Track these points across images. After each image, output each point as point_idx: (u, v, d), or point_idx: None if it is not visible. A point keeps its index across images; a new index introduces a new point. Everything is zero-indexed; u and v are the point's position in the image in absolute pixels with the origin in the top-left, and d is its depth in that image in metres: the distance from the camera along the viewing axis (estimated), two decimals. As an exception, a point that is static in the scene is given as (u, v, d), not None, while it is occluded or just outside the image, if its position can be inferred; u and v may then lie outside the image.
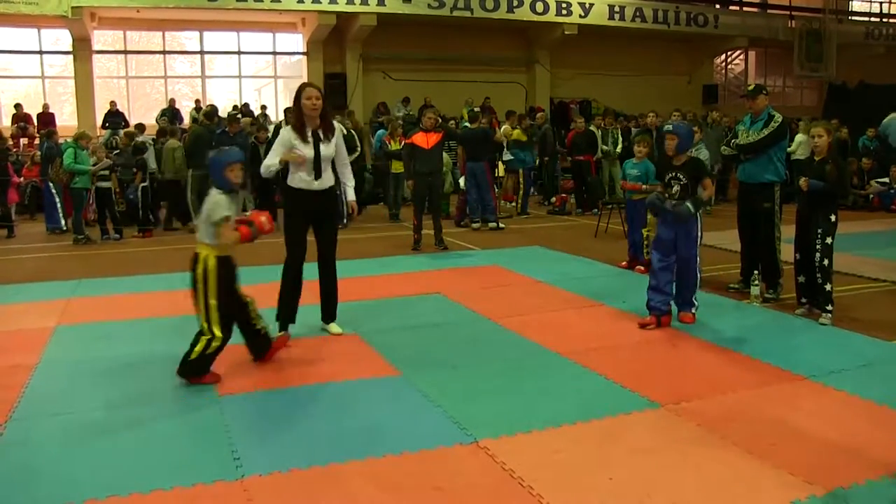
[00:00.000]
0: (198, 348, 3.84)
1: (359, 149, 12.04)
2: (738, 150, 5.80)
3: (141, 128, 11.98)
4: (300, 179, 4.59)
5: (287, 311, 4.72)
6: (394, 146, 11.01)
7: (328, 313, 4.93)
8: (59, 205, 10.27)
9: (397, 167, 10.87)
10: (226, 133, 10.07)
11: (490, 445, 3.11)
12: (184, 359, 3.88)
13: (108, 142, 12.87)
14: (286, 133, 4.61)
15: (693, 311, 5.03)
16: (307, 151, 4.53)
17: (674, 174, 4.95)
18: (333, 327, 4.90)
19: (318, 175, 4.59)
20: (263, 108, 15.80)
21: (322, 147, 4.57)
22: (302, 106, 4.52)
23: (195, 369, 3.89)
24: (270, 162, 4.54)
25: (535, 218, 11.28)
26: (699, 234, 4.98)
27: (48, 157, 10.27)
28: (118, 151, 10.59)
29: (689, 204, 4.82)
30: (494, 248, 8.33)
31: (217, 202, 3.86)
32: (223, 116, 12.14)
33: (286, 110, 11.53)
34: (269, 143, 10.06)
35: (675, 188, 4.92)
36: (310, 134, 4.56)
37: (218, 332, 3.86)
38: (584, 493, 2.73)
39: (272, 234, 4.10)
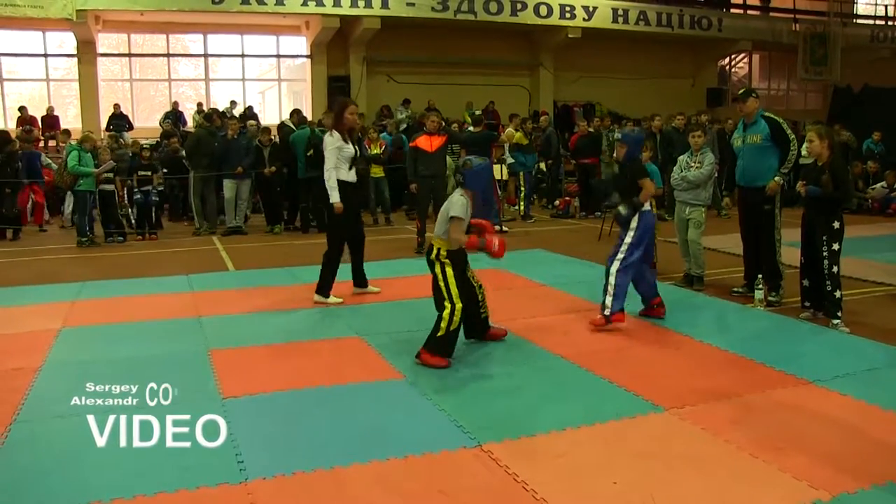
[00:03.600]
0: (443, 323, 4.19)
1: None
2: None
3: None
4: (346, 174, 5.75)
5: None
6: (373, 150, 10.94)
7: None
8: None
9: (376, 171, 10.88)
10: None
11: (494, 449, 3.10)
12: (430, 335, 4.22)
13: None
14: (336, 140, 5.68)
15: (602, 314, 4.93)
16: (351, 150, 5.76)
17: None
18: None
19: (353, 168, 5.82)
20: (233, 103, 15.43)
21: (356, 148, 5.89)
22: (345, 119, 5.75)
23: (439, 346, 4.20)
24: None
25: (539, 221, 11.27)
26: (625, 243, 5.01)
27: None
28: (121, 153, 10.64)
29: (619, 207, 5.07)
30: (498, 251, 8.30)
31: (454, 202, 4.31)
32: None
33: (292, 112, 11.93)
34: (275, 146, 10.11)
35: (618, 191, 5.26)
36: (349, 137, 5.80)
37: (457, 301, 4.25)
38: (588, 497, 2.73)
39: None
